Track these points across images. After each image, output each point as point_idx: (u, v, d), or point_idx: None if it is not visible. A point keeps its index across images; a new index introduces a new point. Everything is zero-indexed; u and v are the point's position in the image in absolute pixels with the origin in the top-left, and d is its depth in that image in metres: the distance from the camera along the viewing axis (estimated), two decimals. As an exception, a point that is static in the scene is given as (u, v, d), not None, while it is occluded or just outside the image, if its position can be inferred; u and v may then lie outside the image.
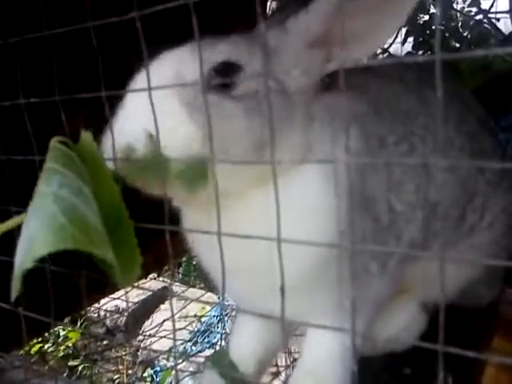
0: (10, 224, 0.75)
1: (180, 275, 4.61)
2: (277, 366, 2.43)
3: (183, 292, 3.42)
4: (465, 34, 2.59)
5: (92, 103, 0.74)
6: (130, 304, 3.70)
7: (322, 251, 0.86)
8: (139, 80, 0.80)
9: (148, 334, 3.49)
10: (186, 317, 3.45)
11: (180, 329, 3.16)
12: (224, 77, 0.77)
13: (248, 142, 0.78)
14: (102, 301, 3.01)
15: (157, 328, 3.28)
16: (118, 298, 2.64)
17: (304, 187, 0.87)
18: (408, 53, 2.60)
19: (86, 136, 0.69)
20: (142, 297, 3.97)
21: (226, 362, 1.11)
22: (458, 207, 1.10)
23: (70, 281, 1.06)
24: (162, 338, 2.98)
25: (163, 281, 4.00)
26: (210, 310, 3.46)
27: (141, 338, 3.63)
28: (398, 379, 1.23)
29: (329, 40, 0.81)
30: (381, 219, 0.96)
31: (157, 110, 0.67)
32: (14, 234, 0.80)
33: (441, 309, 0.54)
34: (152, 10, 0.62)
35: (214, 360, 1.12)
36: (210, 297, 3.67)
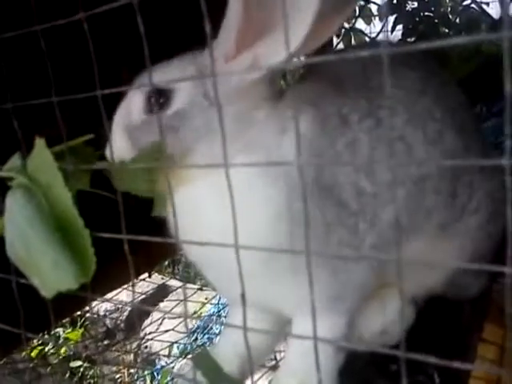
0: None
1: (180, 271, 4.61)
2: (276, 359, 2.43)
3: (179, 288, 3.41)
4: (454, 20, 2.55)
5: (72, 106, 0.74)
6: (127, 302, 3.69)
7: (268, 243, 0.88)
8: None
9: (148, 332, 3.50)
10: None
11: (170, 330, 3.15)
12: (159, 100, 0.91)
13: (174, 151, 0.89)
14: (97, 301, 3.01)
15: (156, 327, 3.28)
16: (109, 300, 2.63)
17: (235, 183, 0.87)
18: (399, 40, 2.56)
19: (40, 143, 0.67)
20: (143, 296, 3.96)
21: (209, 362, 1.09)
22: (448, 180, 1.06)
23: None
24: (160, 335, 2.97)
25: (132, 287, 3.99)
26: (205, 303, 3.46)
27: (141, 336, 3.63)
28: (384, 375, 1.22)
29: (248, 43, 0.84)
30: (348, 205, 0.93)
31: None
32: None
33: (401, 315, 0.53)
34: (99, 11, 0.60)
35: (196, 361, 1.11)
36: (209, 293, 3.67)
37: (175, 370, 3.19)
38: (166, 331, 3.04)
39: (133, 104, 0.97)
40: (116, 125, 0.98)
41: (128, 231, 0.68)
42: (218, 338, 1.24)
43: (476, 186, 1.12)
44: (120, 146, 0.93)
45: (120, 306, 3.91)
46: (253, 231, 0.86)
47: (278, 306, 1.03)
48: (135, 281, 2.44)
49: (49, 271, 0.68)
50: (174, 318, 3.26)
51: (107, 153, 0.92)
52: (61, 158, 0.71)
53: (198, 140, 0.91)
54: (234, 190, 0.59)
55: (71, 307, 1.69)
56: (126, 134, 0.96)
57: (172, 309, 3.03)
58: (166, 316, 3.26)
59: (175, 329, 3.18)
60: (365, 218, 0.95)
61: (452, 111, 1.10)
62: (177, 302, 3.29)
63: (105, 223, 0.69)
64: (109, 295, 2.46)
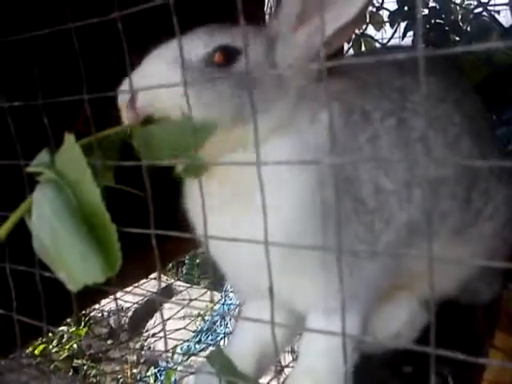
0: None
1: (183, 273, 4.61)
2: (280, 364, 2.42)
3: (185, 290, 3.41)
4: (464, 28, 2.55)
5: (90, 104, 0.75)
6: (133, 303, 3.70)
7: (293, 219, 0.90)
8: (153, 55, 0.94)
9: (152, 333, 3.50)
10: (189, 316, 3.44)
11: (179, 329, 3.15)
12: (225, 58, 0.90)
13: (231, 109, 0.88)
14: (105, 301, 3.01)
15: (160, 327, 3.28)
16: (115, 299, 2.63)
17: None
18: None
19: (69, 138, 0.68)
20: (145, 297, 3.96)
21: (223, 360, 1.10)
22: (464, 186, 1.09)
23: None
24: (163, 337, 2.95)
25: (158, 280, 3.99)
26: (211, 308, 3.45)
27: (144, 337, 3.63)
28: (399, 377, 1.22)
29: (309, 14, 0.91)
30: (366, 202, 0.95)
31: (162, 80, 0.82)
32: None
33: (431, 311, 0.53)
34: (133, 10, 0.61)
35: (211, 360, 1.11)
36: (213, 295, 3.66)
37: (178, 371, 3.19)
38: (178, 329, 3.03)
39: (192, 49, 0.91)
40: (166, 59, 0.91)
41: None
42: (231, 337, 1.23)
43: (493, 193, 1.14)
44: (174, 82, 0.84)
45: (123, 307, 3.90)
46: (277, 219, 0.88)
47: (292, 301, 1.03)
48: (137, 283, 2.45)
49: (76, 264, 0.68)
50: (179, 317, 3.26)
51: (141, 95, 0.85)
52: (88, 153, 0.72)
53: (262, 105, 0.89)
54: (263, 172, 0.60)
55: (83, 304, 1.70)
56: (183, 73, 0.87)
57: (179, 311, 3.03)
58: (171, 317, 3.26)
59: (179, 330, 3.18)
60: (381, 217, 0.97)
61: (470, 118, 1.13)
62: (181, 303, 3.29)
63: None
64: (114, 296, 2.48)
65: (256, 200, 0.65)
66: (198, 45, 0.93)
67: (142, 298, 3.83)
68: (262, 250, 0.65)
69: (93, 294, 1.74)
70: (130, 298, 3.75)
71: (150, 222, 0.66)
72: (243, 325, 1.20)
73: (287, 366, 2.14)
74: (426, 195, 0.99)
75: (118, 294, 2.22)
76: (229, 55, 0.91)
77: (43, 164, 0.73)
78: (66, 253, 0.69)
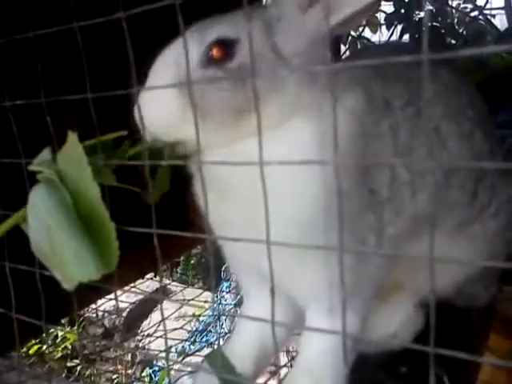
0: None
1: (178, 274, 4.61)
2: (275, 365, 2.42)
3: (181, 291, 3.40)
4: (460, 31, 2.58)
5: (83, 104, 0.75)
6: (127, 304, 3.69)
7: (308, 206, 0.88)
8: (152, 75, 0.91)
9: (146, 333, 3.49)
10: (184, 316, 3.44)
11: (176, 329, 3.15)
12: (222, 52, 0.85)
13: (231, 109, 0.86)
14: (101, 301, 3.01)
15: (155, 328, 3.28)
16: (115, 299, 2.63)
17: (291, 142, 0.88)
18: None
19: (72, 138, 0.69)
20: (140, 297, 3.95)
21: (222, 362, 1.09)
22: (472, 179, 1.11)
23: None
24: (159, 337, 2.96)
25: (160, 281, 3.99)
26: (207, 309, 3.45)
27: (139, 337, 3.62)
28: (394, 377, 1.23)
29: None
30: (379, 191, 0.95)
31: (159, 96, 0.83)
32: (4, 239, 0.80)
33: (431, 310, 0.54)
34: (138, 11, 0.62)
35: (210, 360, 1.11)
36: (208, 296, 3.66)
37: (173, 372, 3.18)
38: (175, 329, 3.03)
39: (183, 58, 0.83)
40: (163, 82, 0.87)
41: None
42: (229, 338, 1.23)
43: (498, 191, 1.16)
44: (172, 107, 0.86)
45: (118, 308, 3.89)
46: (292, 207, 0.88)
47: (294, 294, 1.03)
48: (141, 280, 2.44)
49: (71, 262, 0.69)
50: (175, 317, 3.25)
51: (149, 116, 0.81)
52: (92, 153, 0.73)
53: (267, 93, 0.84)
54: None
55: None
56: (180, 92, 0.85)
57: (176, 310, 3.03)
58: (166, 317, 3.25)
59: (176, 329, 3.18)
60: (392, 208, 0.97)
61: (481, 115, 1.16)
62: (176, 303, 3.29)
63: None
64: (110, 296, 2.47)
65: (268, 188, 0.62)
66: (190, 46, 0.85)
67: (137, 298, 3.83)
68: (273, 232, 0.63)
69: (89, 293, 1.74)
70: (123, 298, 3.75)
71: (153, 221, 0.66)
72: (244, 323, 1.19)
73: (284, 366, 2.14)
74: (439, 185, 1.01)
75: (114, 295, 2.21)
76: (226, 48, 0.86)
77: (45, 162, 0.73)
78: (61, 251, 0.69)
